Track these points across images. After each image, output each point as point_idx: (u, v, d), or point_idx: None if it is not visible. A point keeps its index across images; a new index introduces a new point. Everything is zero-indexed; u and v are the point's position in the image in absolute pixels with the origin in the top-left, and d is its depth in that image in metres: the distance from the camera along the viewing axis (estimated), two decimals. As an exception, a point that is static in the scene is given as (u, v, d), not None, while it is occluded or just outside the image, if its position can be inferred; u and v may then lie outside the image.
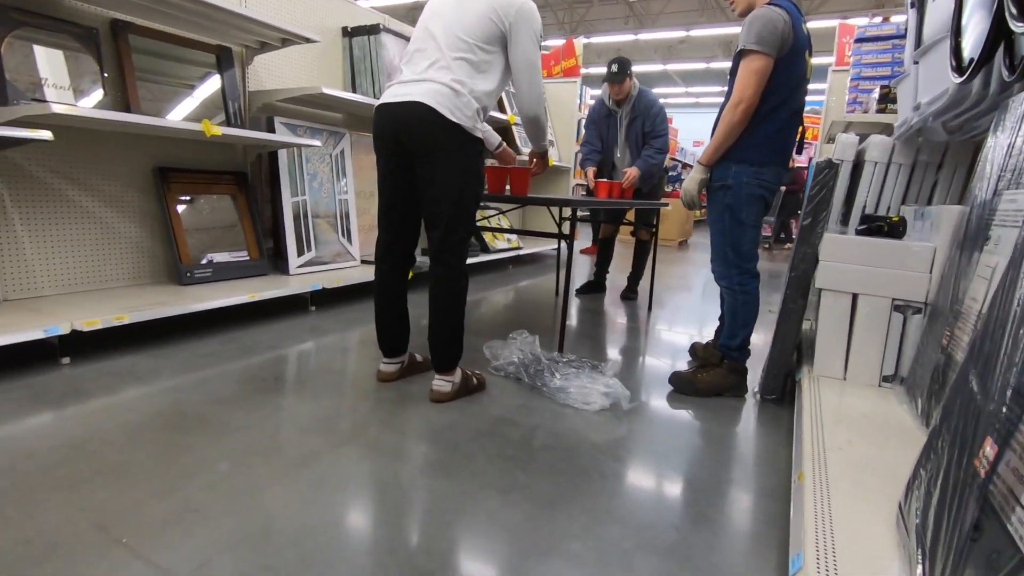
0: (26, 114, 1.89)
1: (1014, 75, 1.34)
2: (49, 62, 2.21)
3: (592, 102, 4.06)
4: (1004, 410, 0.79)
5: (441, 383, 1.94)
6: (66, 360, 2.05)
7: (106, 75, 2.38)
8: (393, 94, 1.80)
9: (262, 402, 1.84)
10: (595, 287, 4.01)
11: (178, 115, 2.66)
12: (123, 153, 2.59)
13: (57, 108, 1.89)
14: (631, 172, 3.44)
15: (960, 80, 1.57)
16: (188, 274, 2.69)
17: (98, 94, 2.36)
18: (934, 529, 0.89)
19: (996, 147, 1.51)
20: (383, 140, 1.85)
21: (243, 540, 1.15)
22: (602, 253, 4.02)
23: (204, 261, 2.79)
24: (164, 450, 1.49)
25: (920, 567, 0.89)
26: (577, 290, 4.01)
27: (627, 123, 3.53)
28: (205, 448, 1.51)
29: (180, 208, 2.75)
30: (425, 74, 1.76)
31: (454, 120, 1.73)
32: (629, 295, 3.89)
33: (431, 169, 1.78)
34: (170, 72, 2.67)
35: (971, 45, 1.53)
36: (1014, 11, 1.03)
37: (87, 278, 2.52)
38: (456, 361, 1.95)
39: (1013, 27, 1.04)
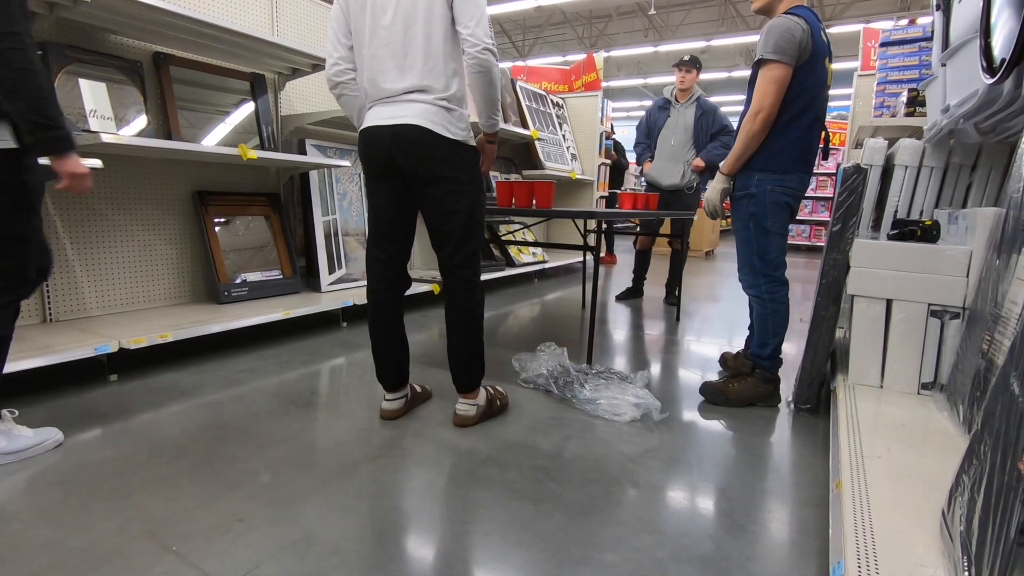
0: (78, 144, 2.00)
1: (1047, 74, 1.32)
2: (93, 94, 2.34)
3: (613, 115, 4.36)
4: (1047, 412, 0.78)
5: (465, 407, 1.86)
6: (114, 377, 2.14)
7: (149, 104, 2.51)
8: (382, 116, 1.69)
9: (300, 415, 1.89)
10: (634, 293, 4.37)
11: (214, 140, 2.78)
12: (164, 178, 2.71)
13: (106, 137, 2.00)
14: (697, 163, 3.84)
15: (992, 81, 1.55)
16: (225, 293, 2.79)
17: (140, 123, 2.48)
18: (979, 535, 0.88)
19: (1031, 147, 1.48)
20: (375, 163, 1.74)
21: (287, 548, 1.19)
22: (639, 262, 4.35)
23: (239, 280, 2.88)
24: (209, 462, 1.55)
25: (967, 574, 0.88)
26: (617, 296, 4.38)
27: (694, 118, 3.85)
28: (247, 460, 1.56)
29: (217, 229, 2.86)
30: (408, 89, 1.66)
31: (453, 138, 1.69)
32: (671, 300, 4.14)
33: (436, 189, 1.71)
34: (208, 100, 2.79)
35: (1001, 45, 1.51)
36: (1042, 11, 1.03)
37: (132, 298, 2.63)
38: (479, 380, 1.88)
39: (1042, 27, 1.03)
